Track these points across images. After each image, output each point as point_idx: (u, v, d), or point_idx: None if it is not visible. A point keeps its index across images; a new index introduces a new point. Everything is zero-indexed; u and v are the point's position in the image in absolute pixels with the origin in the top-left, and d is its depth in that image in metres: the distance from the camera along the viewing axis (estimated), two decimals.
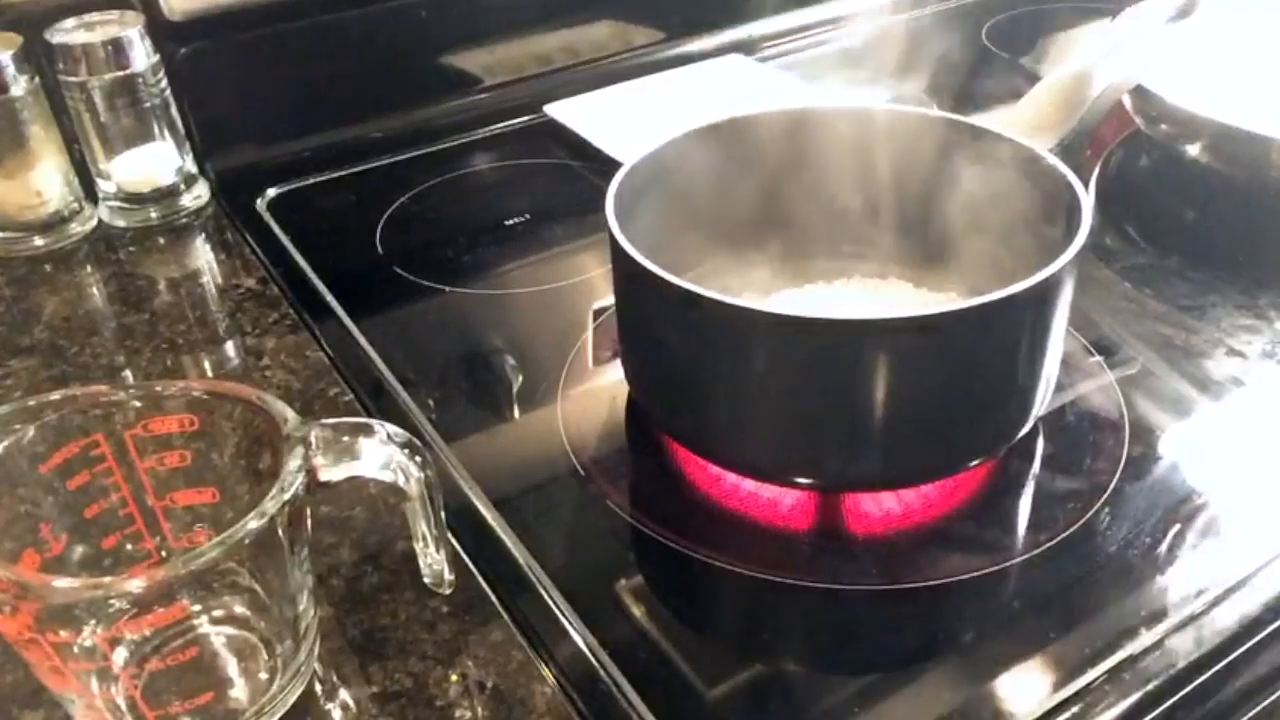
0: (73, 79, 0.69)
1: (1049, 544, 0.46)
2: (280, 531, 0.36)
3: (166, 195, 0.73)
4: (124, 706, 0.37)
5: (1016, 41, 0.95)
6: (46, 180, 0.70)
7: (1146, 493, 0.48)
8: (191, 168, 0.75)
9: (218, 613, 0.41)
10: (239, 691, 0.40)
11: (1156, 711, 0.40)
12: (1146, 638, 0.41)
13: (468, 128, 0.84)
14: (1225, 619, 0.42)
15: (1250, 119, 0.64)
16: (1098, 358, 0.57)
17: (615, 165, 0.51)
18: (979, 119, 0.54)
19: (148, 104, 0.71)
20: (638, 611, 0.44)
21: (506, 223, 0.72)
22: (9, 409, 0.38)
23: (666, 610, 0.44)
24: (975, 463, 0.48)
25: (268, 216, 0.74)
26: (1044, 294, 0.43)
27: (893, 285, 0.57)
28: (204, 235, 0.73)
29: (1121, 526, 0.47)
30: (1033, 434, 0.51)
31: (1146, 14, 0.74)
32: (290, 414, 0.38)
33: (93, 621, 0.34)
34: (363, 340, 0.60)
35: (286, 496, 0.36)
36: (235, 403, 0.39)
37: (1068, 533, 0.46)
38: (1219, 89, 0.71)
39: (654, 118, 0.81)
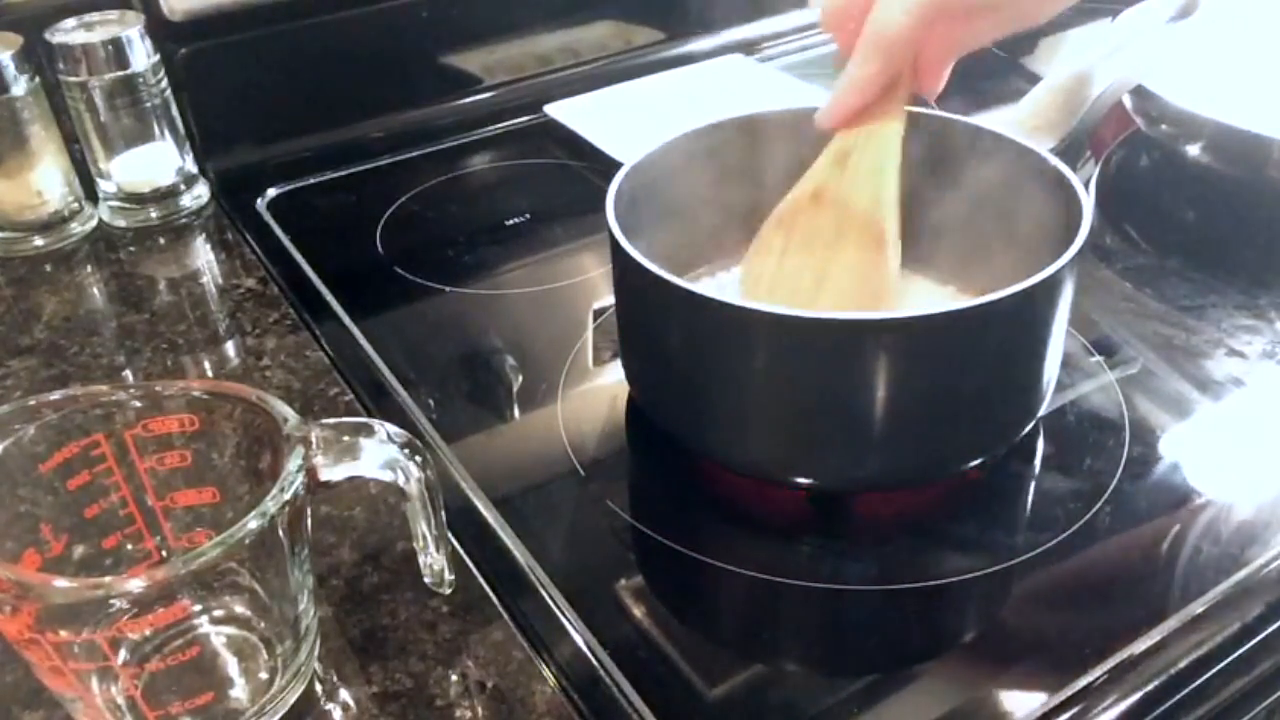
0: (73, 79, 0.69)
1: (1049, 544, 0.46)
2: (280, 531, 0.36)
3: (166, 195, 0.73)
4: (124, 706, 0.37)
5: (1017, 41, 0.95)
6: (46, 180, 0.70)
7: (1146, 493, 0.48)
8: (191, 168, 0.75)
9: (218, 613, 0.41)
10: (239, 691, 0.40)
11: (1156, 711, 0.40)
12: (1146, 638, 0.41)
13: (468, 128, 0.84)
14: (1225, 619, 0.42)
15: (1250, 119, 0.64)
16: (1098, 358, 0.56)
17: (615, 165, 0.51)
18: (979, 119, 0.54)
19: (148, 104, 0.71)
20: (638, 611, 0.44)
21: (506, 223, 0.72)
22: (9, 409, 0.38)
23: (666, 610, 0.44)
24: (976, 463, 0.48)
25: (268, 216, 0.74)
26: (1044, 294, 0.43)
27: None
28: (204, 235, 0.73)
29: (1121, 526, 0.47)
30: (1033, 434, 0.51)
31: (1146, 14, 0.74)
32: (290, 414, 0.38)
33: (93, 621, 0.34)
34: (363, 340, 0.60)
35: (286, 496, 0.36)
36: (235, 403, 0.39)
37: (1068, 533, 0.46)
38: (1219, 89, 0.70)
39: (654, 118, 0.81)
